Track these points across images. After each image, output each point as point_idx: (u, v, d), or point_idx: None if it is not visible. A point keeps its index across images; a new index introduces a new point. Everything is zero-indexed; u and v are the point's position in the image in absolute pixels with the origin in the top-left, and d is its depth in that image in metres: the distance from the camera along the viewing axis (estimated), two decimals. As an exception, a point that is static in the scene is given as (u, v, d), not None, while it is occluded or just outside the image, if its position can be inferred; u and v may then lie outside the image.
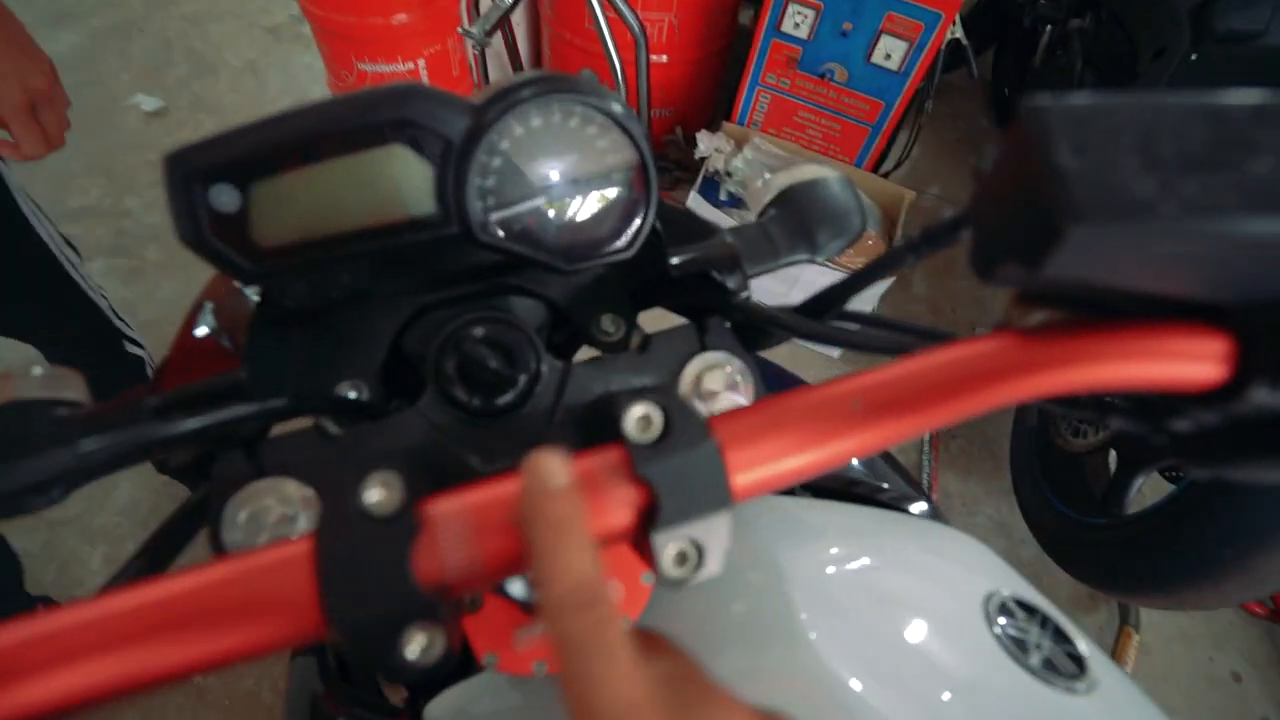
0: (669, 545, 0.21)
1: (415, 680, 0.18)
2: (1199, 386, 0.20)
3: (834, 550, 0.38)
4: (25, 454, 0.24)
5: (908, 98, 1.58)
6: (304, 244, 0.29)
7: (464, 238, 0.30)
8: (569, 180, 0.31)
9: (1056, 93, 0.17)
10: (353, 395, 0.32)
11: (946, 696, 0.30)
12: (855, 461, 0.51)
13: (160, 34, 2.40)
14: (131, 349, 1.08)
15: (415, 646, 0.19)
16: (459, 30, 1.54)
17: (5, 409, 0.29)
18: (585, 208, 0.32)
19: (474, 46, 1.58)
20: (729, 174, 1.50)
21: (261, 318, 0.32)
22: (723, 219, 1.42)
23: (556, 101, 0.29)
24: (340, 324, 0.34)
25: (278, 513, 0.27)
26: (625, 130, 0.31)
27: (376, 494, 0.19)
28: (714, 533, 0.21)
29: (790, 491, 0.46)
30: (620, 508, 0.21)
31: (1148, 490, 1.25)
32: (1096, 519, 1.24)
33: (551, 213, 0.32)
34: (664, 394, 0.22)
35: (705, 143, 1.53)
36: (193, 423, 0.26)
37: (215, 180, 0.27)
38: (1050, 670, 0.32)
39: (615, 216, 0.33)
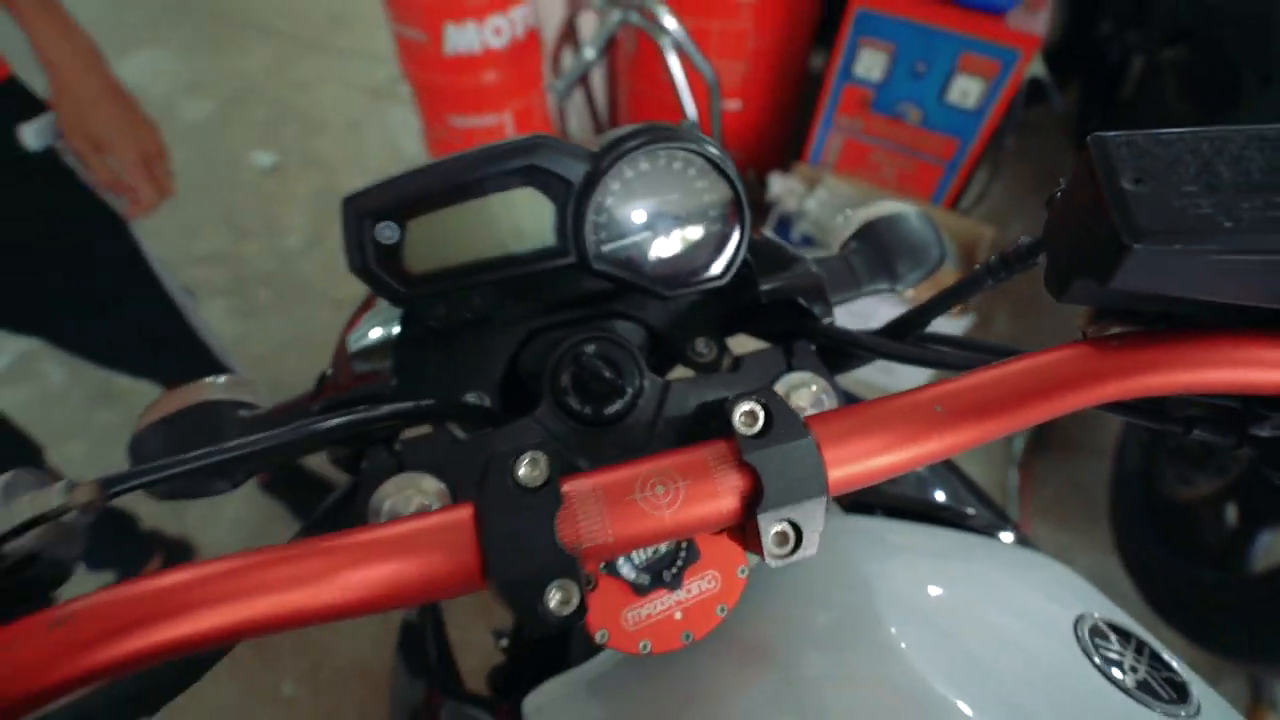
0: (772, 526, 0.23)
1: (555, 629, 0.21)
2: (1271, 389, 0.21)
3: (920, 568, 0.38)
4: (214, 444, 0.29)
5: (986, 136, 1.57)
6: (445, 271, 0.34)
7: (579, 267, 0.34)
8: (670, 216, 0.35)
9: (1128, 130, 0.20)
10: (478, 403, 0.36)
11: (1034, 710, 0.29)
12: (941, 493, 0.52)
13: (276, 98, 2.68)
14: None
15: (556, 598, 0.22)
16: (545, 85, 1.65)
17: (197, 408, 0.35)
18: (684, 240, 0.36)
19: (557, 99, 1.70)
20: (802, 214, 1.52)
21: (405, 336, 0.37)
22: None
23: (662, 148, 0.33)
24: (467, 343, 0.38)
25: (417, 501, 0.31)
26: (721, 171, 0.34)
27: (527, 469, 0.23)
28: (811, 517, 0.23)
29: (873, 514, 0.47)
30: (728, 494, 0.24)
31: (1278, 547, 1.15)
32: (1214, 576, 1.14)
33: (654, 245, 0.35)
34: (766, 394, 0.25)
35: (778, 185, 1.56)
36: (346, 420, 0.30)
37: (381, 218, 0.32)
38: (1147, 693, 0.31)
39: (710, 248, 0.36)
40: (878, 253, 0.43)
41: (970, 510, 0.49)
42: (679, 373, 0.40)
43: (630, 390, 0.34)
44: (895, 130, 1.64)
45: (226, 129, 2.53)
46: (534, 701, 0.40)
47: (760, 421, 0.24)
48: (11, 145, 0.70)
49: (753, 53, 1.77)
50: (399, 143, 2.45)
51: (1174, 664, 0.33)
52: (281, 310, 1.94)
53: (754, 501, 0.23)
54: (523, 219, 0.33)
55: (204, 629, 0.19)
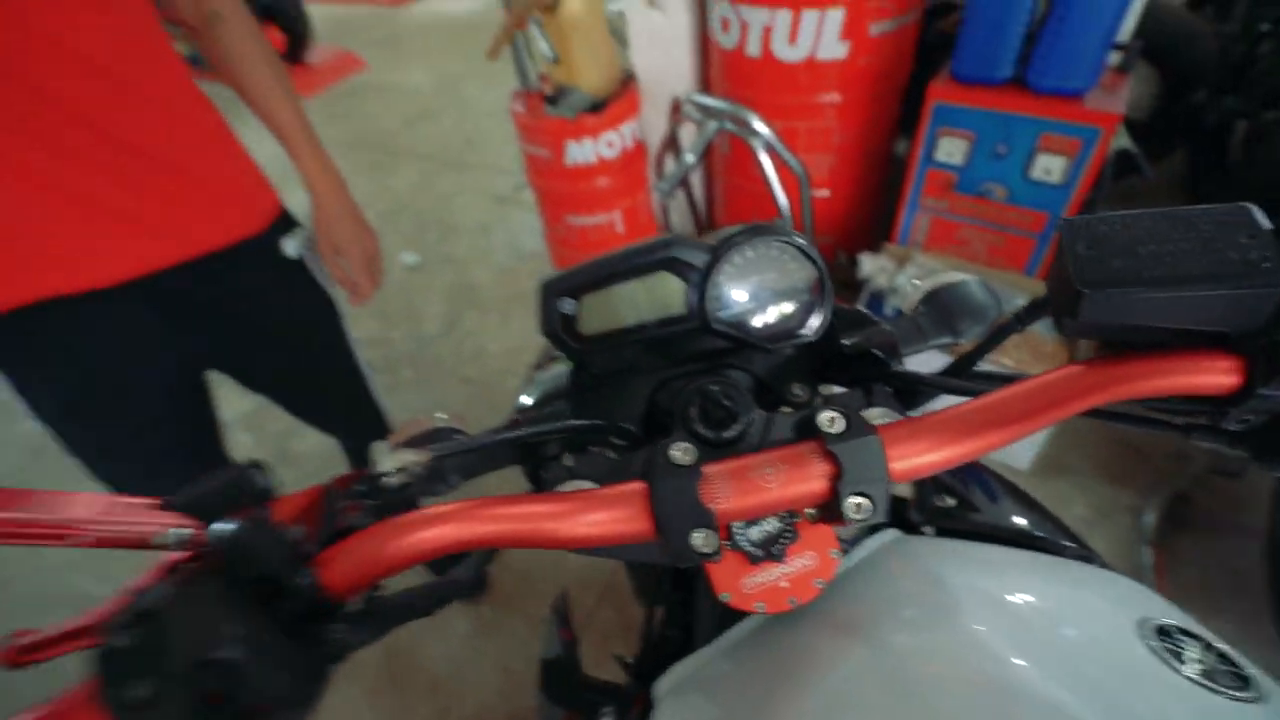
0: (850, 498, 0.34)
1: (699, 561, 0.32)
2: (1221, 391, 0.30)
3: (996, 574, 0.44)
4: (444, 454, 0.43)
5: (1075, 208, 1.60)
6: (607, 334, 0.48)
7: (701, 329, 0.47)
8: (771, 290, 0.48)
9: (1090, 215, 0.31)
10: (629, 429, 0.49)
11: (1103, 687, 0.32)
12: (1022, 520, 0.58)
13: (420, 208, 3.13)
14: None
15: (699, 540, 0.33)
16: (651, 186, 1.87)
17: (432, 432, 0.50)
18: (782, 308, 0.48)
19: (661, 198, 1.91)
20: (894, 290, 1.61)
21: (576, 379, 0.51)
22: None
23: (762, 240, 0.46)
24: (619, 387, 0.51)
25: None
26: (808, 256, 0.47)
27: (679, 453, 0.35)
28: (880, 492, 0.34)
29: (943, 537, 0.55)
30: (819, 476, 0.34)
31: None
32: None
33: (759, 312, 0.48)
34: (844, 403, 0.36)
35: (869, 265, 1.66)
36: (546, 429, 0.43)
37: (564, 295, 0.47)
38: (1210, 679, 0.33)
39: (803, 313, 0.48)
40: (941, 314, 0.53)
41: (1047, 535, 0.55)
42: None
43: (743, 417, 0.45)
44: (981, 208, 1.71)
45: (381, 235, 2.96)
46: (663, 684, 0.49)
47: (840, 425, 0.35)
48: (275, 254, 0.94)
49: (838, 147, 1.93)
50: (520, 241, 2.78)
51: (1238, 659, 0.35)
52: (421, 385, 2.21)
53: (837, 481, 0.34)
54: (661, 295, 0.47)
55: (487, 532, 0.33)
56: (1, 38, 0.65)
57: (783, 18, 1.70)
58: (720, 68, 1.94)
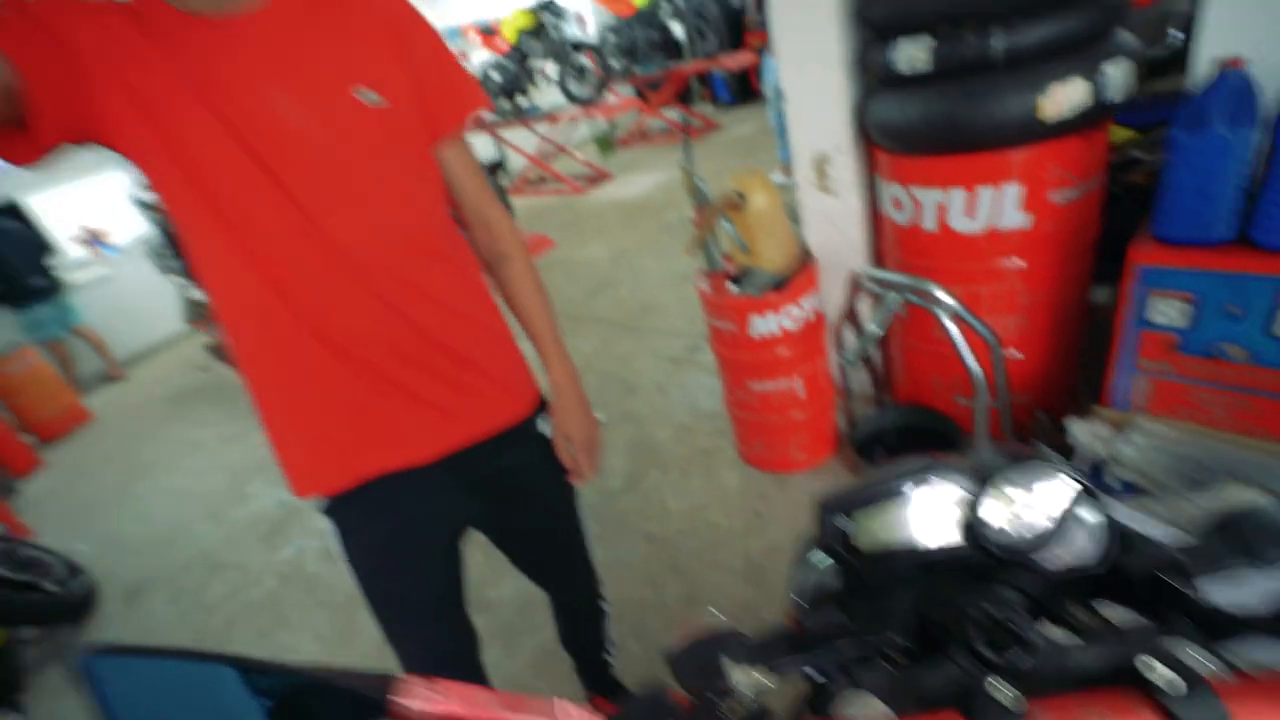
0: None
1: None
2: None
3: None
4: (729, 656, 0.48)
5: (1343, 367, 1.41)
6: (882, 550, 0.52)
7: (981, 555, 0.50)
8: (1046, 514, 0.50)
9: None
10: (902, 642, 0.52)
11: None
12: None
13: (603, 370, 3.45)
14: (601, 604, 1.50)
15: None
16: (840, 357, 1.94)
17: (716, 635, 0.56)
18: (1058, 532, 0.50)
19: (843, 365, 1.96)
20: (1117, 460, 1.47)
21: (848, 589, 0.55)
22: (1123, 509, 1.36)
23: (1032, 468, 0.50)
24: (891, 596, 0.55)
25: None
26: (1084, 486, 0.49)
27: (1000, 690, 0.38)
28: None
29: None
30: None
31: None
32: None
33: (1035, 536, 0.50)
34: (1176, 656, 0.36)
35: (1081, 431, 1.55)
36: (835, 652, 0.48)
37: (841, 513, 0.53)
38: None
39: (1081, 538, 0.50)
40: (1238, 539, 0.51)
41: None
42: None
43: (1026, 640, 0.46)
44: (1217, 370, 1.56)
45: (567, 395, 3.30)
46: None
47: (1179, 687, 0.35)
48: (535, 432, 1.13)
49: (1027, 308, 1.89)
50: (697, 400, 2.94)
51: None
52: (606, 540, 2.32)
53: None
54: (933, 515, 0.51)
55: None
56: (383, 280, 0.90)
57: (957, 196, 1.79)
58: (894, 242, 2.04)
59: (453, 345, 0.99)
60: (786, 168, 5.00)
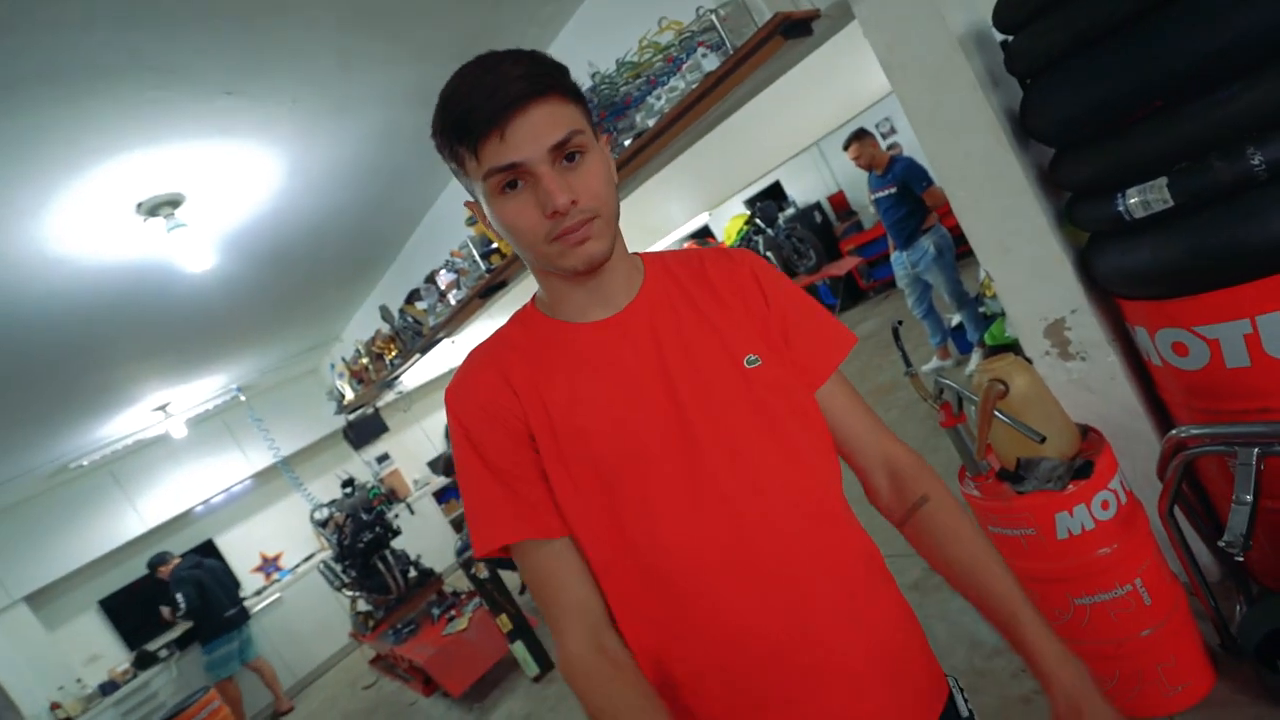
0: None
1: None
2: None
3: None
4: None
5: None
6: None
7: None
8: None
9: None
10: None
11: None
12: None
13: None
14: None
15: None
16: (1222, 543, 1.53)
17: None
18: None
19: (1225, 551, 1.53)
20: None
21: None
22: None
23: None
24: None
25: None
26: None
27: None
28: None
29: None
30: None
31: None
32: None
33: None
34: None
35: None
36: None
37: None
38: None
39: None
40: None
41: None
42: None
43: None
44: None
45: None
46: None
47: None
48: None
49: None
50: (971, 630, 2.41)
51: None
52: None
53: None
54: None
55: None
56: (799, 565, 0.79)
57: (1271, 322, 1.52)
58: (1181, 390, 1.74)
59: (890, 641, 0.83)
60: (945, 350, 4.84)
